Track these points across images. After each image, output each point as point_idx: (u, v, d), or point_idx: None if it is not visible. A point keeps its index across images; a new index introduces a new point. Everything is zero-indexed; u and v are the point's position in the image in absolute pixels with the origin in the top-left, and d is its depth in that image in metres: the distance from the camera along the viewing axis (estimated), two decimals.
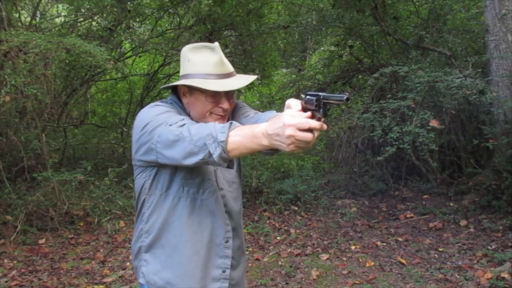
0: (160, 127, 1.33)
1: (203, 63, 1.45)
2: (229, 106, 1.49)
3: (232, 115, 1.60)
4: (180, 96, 1.55)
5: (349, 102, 1.02)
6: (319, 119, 1.10)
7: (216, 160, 1.21)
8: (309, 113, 1.12)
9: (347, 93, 1.06)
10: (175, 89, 1.58)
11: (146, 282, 1.52)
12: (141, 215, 1.55)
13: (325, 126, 1.11)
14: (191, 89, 1.48)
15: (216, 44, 1.49)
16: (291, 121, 1.08)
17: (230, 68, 1.49)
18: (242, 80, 1.48)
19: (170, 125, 1.31)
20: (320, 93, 1.10)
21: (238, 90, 1.55)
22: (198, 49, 1.48)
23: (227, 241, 1.53)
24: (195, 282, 1.49)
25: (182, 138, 1.26)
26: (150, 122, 1.37)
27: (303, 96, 1.17)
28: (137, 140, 1.42)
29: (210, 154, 1.21)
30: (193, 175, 1.47)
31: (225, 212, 1.54)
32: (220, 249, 1.52)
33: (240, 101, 1.67)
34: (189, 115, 1.52)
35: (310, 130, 1.09)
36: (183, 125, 1.30)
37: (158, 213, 1.50)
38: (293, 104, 1.16)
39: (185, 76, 1.48)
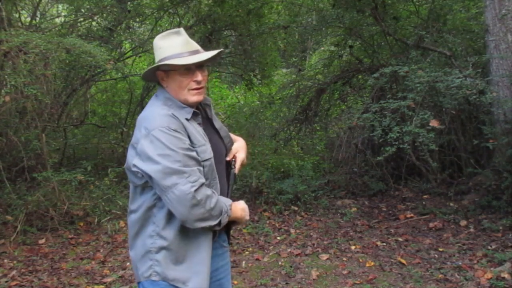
0: (180, 179, 1.49)
1: (171, 46, 1.62)
2: (202, 78, 1.63)
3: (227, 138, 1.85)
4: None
5: None
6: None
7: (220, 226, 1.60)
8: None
9: None
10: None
11: (163, 278, 1.60)
12: (152, 216, 1.62)
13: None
14: (167, 72, 1.64)
15: (180, 28, 1.68)
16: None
17: (196, 46, 1.66)
18: (208, 53, 1.65)
19: (192, 182, 1.49)
20: None
21: (208, 65, 1.85)
22: (166, 36, 1.65)
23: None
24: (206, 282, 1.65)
25: (201, 205, 1.50)
26: (169, 156, 1.50)
27: None
28: (147, 157, 1.52)
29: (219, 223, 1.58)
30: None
31: None
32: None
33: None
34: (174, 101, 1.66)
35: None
36: (201, 185, 1.51)
37: (172, 222, 1.61)
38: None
39: (159, 62, 1.63)
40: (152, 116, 1.57)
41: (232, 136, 1.92)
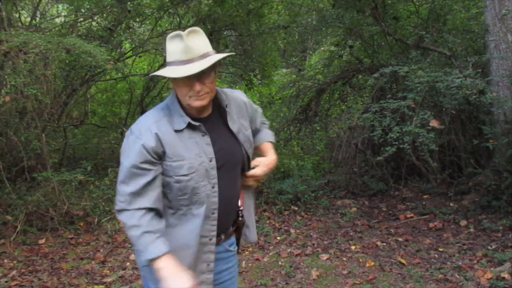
0: (118, 191, 1.65)
1: (173, 52, 1.58)
2: (200, 88, 1.57)
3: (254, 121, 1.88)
4: None
5: None
6: None
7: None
8: None
9: None
10: None
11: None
12: None
13: None
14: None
15: (186, 30, 1.58)
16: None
17: (197, 52, 1.57)
18: (203, 63, 1.54)
19: (118, 201, 1.65)
20: None
21: (216, 70, 1.68)
22: (172, 39, 1.59)
23: (210, 239, 1.68)
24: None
25: (125, 227, 1.64)
26: (123, 165, 1.62)
27: None
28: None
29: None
30: (182, 196, 1.65)
31: (212, 214, 1.69)
32: (206, 245, 1.68)
33: (258, 109, 1.94)
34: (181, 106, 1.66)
35: None
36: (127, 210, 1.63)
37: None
38: None
39: (165, 65, 1.63)
40: (139, 121, 1.65)
41: (266, 148, 1.89)
